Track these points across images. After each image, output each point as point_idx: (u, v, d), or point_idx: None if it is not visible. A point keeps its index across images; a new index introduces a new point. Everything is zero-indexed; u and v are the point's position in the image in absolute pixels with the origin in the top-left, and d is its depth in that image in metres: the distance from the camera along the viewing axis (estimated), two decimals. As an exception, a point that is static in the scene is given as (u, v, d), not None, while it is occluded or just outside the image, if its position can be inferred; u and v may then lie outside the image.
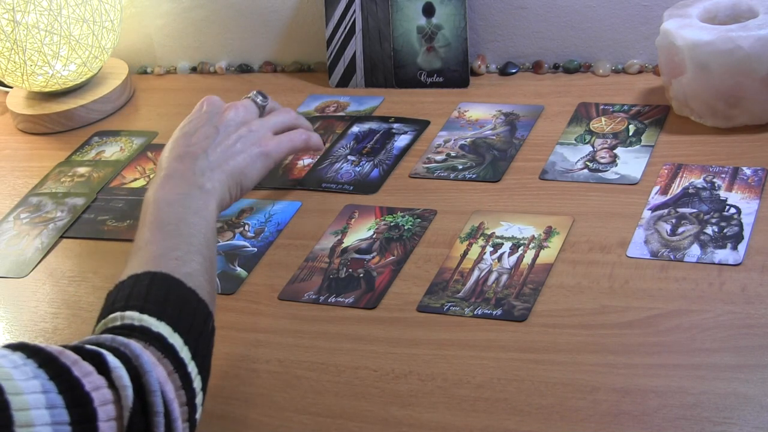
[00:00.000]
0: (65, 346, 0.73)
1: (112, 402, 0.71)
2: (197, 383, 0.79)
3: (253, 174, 1.05)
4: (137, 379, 0.73)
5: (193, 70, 1.53)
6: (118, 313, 0.80)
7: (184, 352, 0.79)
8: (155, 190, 0.96)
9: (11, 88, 1.50)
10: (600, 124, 1.20)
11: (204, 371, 0.81)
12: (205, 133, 1.04)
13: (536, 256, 1.00)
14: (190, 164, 1.00)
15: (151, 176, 1.26)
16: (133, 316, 0.79)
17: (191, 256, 0.88)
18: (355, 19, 1.37)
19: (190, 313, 0.83)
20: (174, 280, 0.84)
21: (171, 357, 0.77)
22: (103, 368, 0.72)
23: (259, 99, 1.12)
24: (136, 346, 0.75)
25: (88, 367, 0.72)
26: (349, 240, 1.08)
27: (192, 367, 0.79)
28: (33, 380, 0.68)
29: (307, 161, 1.22)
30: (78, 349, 0.73)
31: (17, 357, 0.70)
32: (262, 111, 1.12)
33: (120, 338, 0.76)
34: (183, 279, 0.85)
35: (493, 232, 1.04)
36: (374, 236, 1.07)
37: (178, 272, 0.85)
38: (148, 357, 0.75)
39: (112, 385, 0.72)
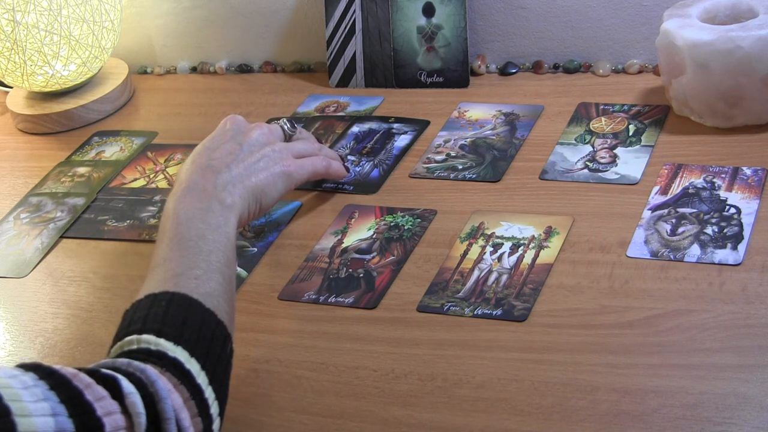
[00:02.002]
0: (80, 369, 0.72)
1: (124, 428, 0.70)
2: (214, 409, 0.78)
3: (273, 193, 1.04)
4: (152, 405, 0.72)
5: (193, 70, 1.53)
6: (134, 336, 0.79)
7: (201, 378, 0.78)
8: (175, 203, 0.95)
9: (11, 88, 1.50)
10: (600, 124, 1.20)
11: (221, 396, 0.80)
12: (228, 149, 1.03)
13: (536, 256, 1.00)
14: (211, 178, 0.98)
15: (151, 176, 1.27)
16: (150, 340, 0.78)
17: (210, 275, 0.87)
18: (355, 19, 1.37)
19: (208, 336, 0.81)
20: (192, 301, 0.83)
21: (187, 383, 0.76)
22: (117, 393, 0.71)
23: (287, 126, 1.11)
24: (152, 371, 0.74)
25: (101, 391, 0.71)
26: (349, 240, 1.08)
27: (209, 393, 0.78)
28: (42, 402, 0.67)
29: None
30: (93, 373, 0.72)
31: (28, 378, 0.69)
32: (288, 139, 1.10)
33: (136, 363, 0.75)
34: (202, 300, 0.84)
35: (493, 232, 1.04)
36: (374, 236, 1.07)
37: (196, 292, 0.84)
38: (163, 383, 0.74)
39: (126, 410, 0.71)
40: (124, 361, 0.75)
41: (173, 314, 0.81)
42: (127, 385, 0.72)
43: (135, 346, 0.78)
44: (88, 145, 1.37)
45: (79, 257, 1.15)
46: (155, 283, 0.85)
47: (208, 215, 0.94)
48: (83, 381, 0.70)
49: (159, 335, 0.79)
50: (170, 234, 0.91)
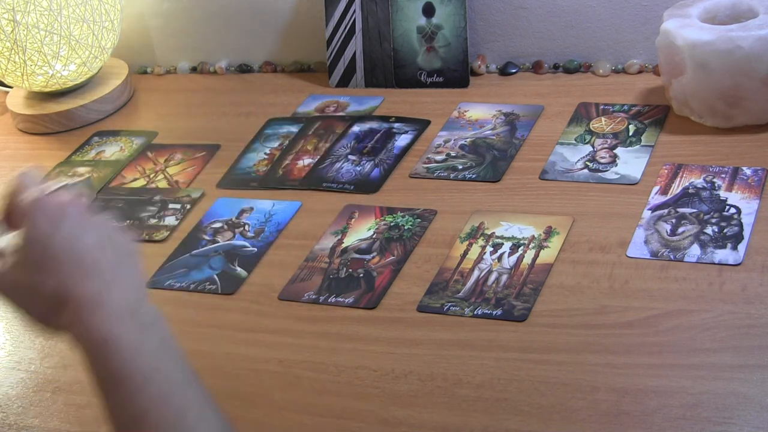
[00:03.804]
0: None
1: None
2: None
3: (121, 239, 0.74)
4: None
5: (193, 70, 1.53)
6: None
7: None
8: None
9: (11, 88, 1.50)
10: (600, 124, 1.20)
11: None
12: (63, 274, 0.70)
13: (536, 256, 1.00)
14: (101, 316, 0.69)
15: (151, 176, 1.26)
16: None
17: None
18: (355, 19, 1.37)
19: None
20: None
21: None
22: None
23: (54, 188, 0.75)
24: None
25: None
26: (349, 240, 1.08)
27: None
28: None
29: (307, 161, 1.22)
30: None
31: None
32: (51, 191, 0.74)
33: None
34: None
35: (493, 232, 1.04)
36: (374, 236, 1.07)
37: None
38: None
39: None
40: None
41: None
42: None
43: None
44: (88, 145, 1.37)
45: (79, 257, 1.14)
46: None
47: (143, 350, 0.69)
48: None
49: None
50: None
